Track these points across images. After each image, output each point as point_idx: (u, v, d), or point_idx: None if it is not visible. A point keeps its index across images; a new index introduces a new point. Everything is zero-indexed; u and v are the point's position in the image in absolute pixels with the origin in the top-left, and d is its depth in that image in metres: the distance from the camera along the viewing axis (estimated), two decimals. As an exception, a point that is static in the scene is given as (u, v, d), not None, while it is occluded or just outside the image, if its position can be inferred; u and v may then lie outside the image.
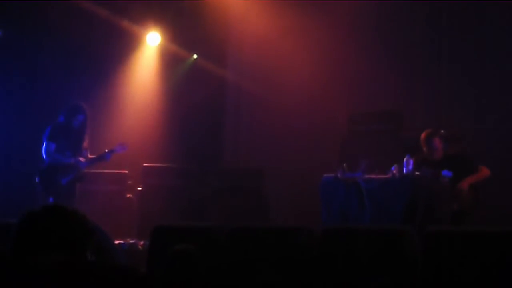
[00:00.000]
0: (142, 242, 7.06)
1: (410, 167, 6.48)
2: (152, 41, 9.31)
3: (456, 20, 8.39)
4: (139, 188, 8.37)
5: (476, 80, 8.20)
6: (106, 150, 7.34)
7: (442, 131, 6.96)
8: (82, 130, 7.16)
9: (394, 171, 6.52)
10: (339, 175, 6.71)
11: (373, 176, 6.65)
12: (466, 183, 6.49)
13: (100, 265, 2.21)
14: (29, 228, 2.17)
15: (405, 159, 6.50)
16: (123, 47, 9.19)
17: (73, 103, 7.23)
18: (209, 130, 9.39)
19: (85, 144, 7.24)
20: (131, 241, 7.28)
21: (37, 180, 7.07)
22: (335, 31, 8.71)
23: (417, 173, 6.43)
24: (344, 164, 6.75)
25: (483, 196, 6.63)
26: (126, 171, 8.40)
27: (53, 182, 7.00)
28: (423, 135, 6.75)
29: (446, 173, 6.46)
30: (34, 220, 2.18)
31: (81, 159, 7.16)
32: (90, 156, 7.27)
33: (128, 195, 8.39)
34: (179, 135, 9.16)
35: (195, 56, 9.47)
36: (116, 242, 6.28)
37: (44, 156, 7.08)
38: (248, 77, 9.35)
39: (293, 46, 8.89)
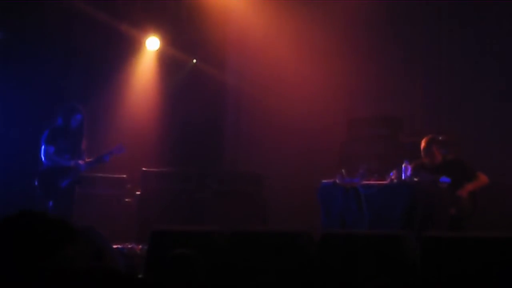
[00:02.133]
0: (140, 246, 7.05)
1: (409, 172, 6.49)
2: (151, 45, 9.33)
3: (456, 23, 8.41)
4: (138, 192, 8.37)
5: (475, 84, 8.22)
6: (104, 152, 7.34)
7: (441, 137, 6.98)
8: (80, 132, 7.15)
9: (393, 177, 6.53)
10: (338, 180, 6.72)
11: (371, 181, 6.66)
12: (465, 190, 6.51)
13: (97, 270, 2.20)
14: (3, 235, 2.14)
15: (403, 165, 6.52)
16: (122, 51, 9.20)
17: (69, 104, 7.23)
18: (209, 134, 9.40)
19: (83, 146, 7.23)
20: (129, 246, 7.27)
21: (36, 183, 7.05)
22: (335, 35, 8.74)
23: (415, 178, 6.44)
24: (343, 169, 6.77)
25: (481, 202, 6.65)
26: (125, 176, 8.41)
27: (53, 185, 6.99)
28: (422, 142, 6.77)
29: (444, 179, 6.48)
30: (7, 228, 2.15)
31: (80, 161, 7.15)
32: (87, 159, 7.26)
33: (127, 199, 8.39)
34: (178, 139, 9.17)
35: (194, 60, 9.49)
36: (115, 246, 6.28)
37: (43, 159, 7.07)
38: (247, 81, 9.37)
39: (293, 50, 8.91)
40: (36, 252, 2.10)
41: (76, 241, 2.21)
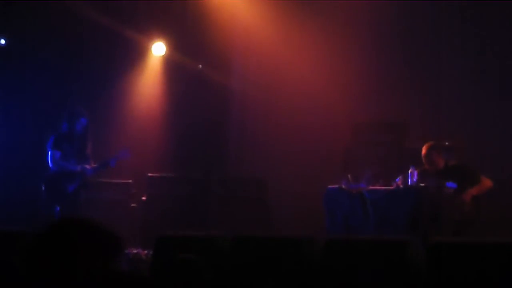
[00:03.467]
0: (145, 252, 7.06)
1: (415, 178, 6.48)
2: (157, 51, 9.35)
3: (457, 26, 8.39)
4: (143, 198, 8.38)
5: (478, 89, 8.19)
6: (110, 157, 7.33)
7: (444, 143, 6.98)
8: (85, 136, 7.17)
9: (399, 182, 6.52)
10: (343, 185, 6.71)
11: (377, 186, 6.65)
12: (469, 195, 6.48)
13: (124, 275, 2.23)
14: (50, 240, 2.16)
15: (409, 170, 6.51)
16: (128, 57, 9.23)
17: (73, 108, 7.25)
18: (213, 139, 9.40)
19: (89, 151, 7.24)
20: (135, 251, 7.27)
21: (43, 188, 7.06)
22: (339, 40, 8.74)
23: (421, 184, 6.43)
24: (349, 175, 6.76)
25: (485, 206, 6.62)
26: (131, 181, 8.42)
27: (59, 190, 6.99)
28: (423, 148, 6.76)
29: (450, 184, 6.46)
30: (58, 232, 2.18)
31: (87, 166, 7.16)
32: (93, 164, 7.27)
33: (132, 204, 8.40)
34: (183, 144, 9.17)
35: (200, 66, 9.49)
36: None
37: (50, 164, 7.08)
38: (252, 86, 9.37)
39: (297, 55, 8.91)
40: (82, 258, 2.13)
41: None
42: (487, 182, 6.60)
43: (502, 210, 7.26)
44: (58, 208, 6.98)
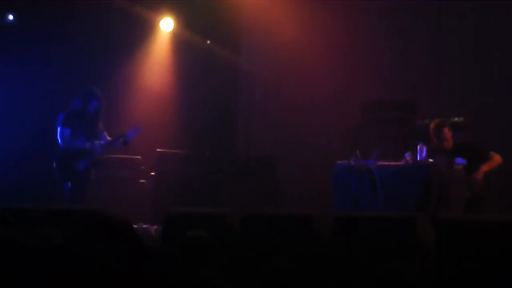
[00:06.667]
0: (155, 227, 7.11)
1: (424, 154, 6.45)
2: (165, 27, 9.32)
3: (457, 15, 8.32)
4: (152, 174, 8.41)
5: (487, 67, 8.13)
6: (121, 134, 7.27)
7: (453, 120, 6.94)
8: (96, 116, 7.16)
9: (408, 158, 6.50)
10: (352, 162, 6.70)
11: (386, 163, 6.63)
12: (481, 172, 6.46)
13: None
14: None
15: (418, 147, 6.48)
16: (136, 33, 9.20)
17: (88, 89, 7.21)
18: (223, 116, 9.40)
19: (99, 128, 7.21)
20: (144, 226, 7.32)
21: (54, 165, 7.06)
22: (349, 18, 8.68)
23: (430, 160, 6.41)
24: (357, 151, 6.74)
25: (495, 183, 6.61)
26: (140, 157, 8.44)
27: (70, 168, 6.99)
28: (432, 126, 6.73)
29: (460, 160, 6.44)
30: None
31: (96, 142, 7.13)
32: (108, 138, 7.23)
33: (141, 181, 8.43)
34: (192, 121, 9.18)
35: (208, 42, 9.45)
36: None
37: (60, 141, 7.08)
38: (261, 64, 9.34)
39: (307, 33, 8.86)
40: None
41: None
42: (497, 158, 6.58)
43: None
44: (69, 185, 6.99)
